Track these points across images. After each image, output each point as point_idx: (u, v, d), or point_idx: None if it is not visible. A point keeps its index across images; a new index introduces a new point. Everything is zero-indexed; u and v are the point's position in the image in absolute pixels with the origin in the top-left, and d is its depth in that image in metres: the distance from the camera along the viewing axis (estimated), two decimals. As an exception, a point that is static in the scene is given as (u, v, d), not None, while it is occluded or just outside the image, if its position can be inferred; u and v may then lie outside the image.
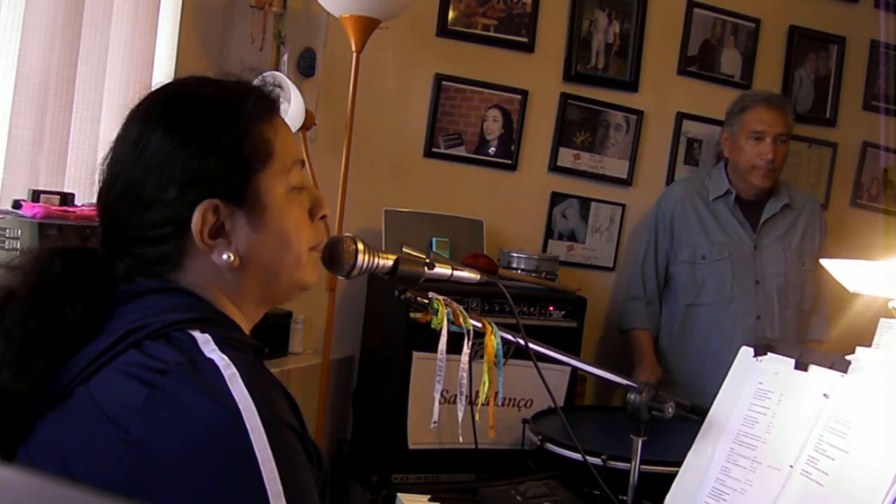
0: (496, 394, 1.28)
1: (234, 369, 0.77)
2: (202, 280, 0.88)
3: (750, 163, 2.60)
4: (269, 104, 0.93)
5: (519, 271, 2.56)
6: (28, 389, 0.79)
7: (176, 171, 0.85)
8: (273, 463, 0.73)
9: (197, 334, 0.80)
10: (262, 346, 0.89)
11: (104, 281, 0.86)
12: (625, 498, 1.31)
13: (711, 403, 1.31)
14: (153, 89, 0.93)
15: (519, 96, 2.88)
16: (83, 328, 0.82)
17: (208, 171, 0.86)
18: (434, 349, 1.25)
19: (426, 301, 1.25)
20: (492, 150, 2.89)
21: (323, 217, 0.98)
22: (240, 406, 0.74)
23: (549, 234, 2.98)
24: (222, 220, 0.87)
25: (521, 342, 1.29)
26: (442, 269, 1.26)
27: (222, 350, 0.79)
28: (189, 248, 0.87)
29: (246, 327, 0.93)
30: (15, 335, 0.81)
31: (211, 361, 0.77)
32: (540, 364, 1.30)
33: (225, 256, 0.87)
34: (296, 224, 0.93)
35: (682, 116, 3.06)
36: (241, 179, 0.88)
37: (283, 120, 0.95)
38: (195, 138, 0.86)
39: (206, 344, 0.79)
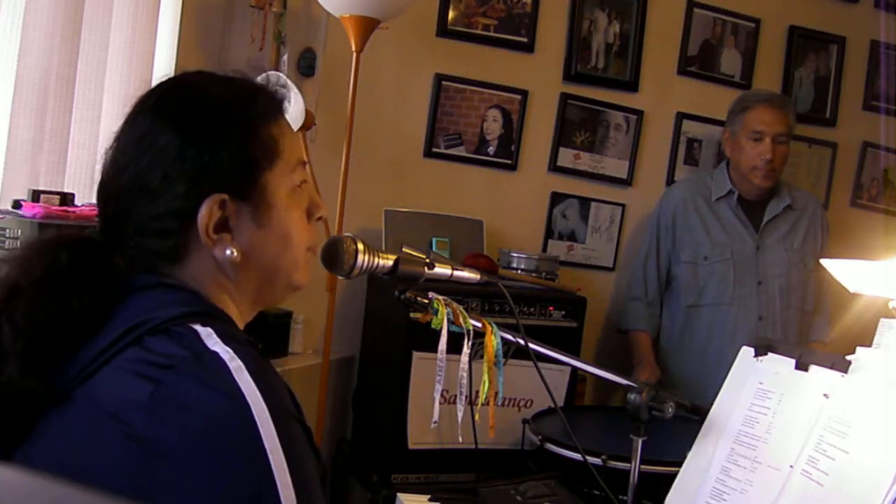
0: (496, 394, 1.28)
1: (238, 361, 0.77)
2: (201, 275, 0.89)
3: (750, 163, 2.60)
4: (276, 104, 0.95)
5: (519, 271, 2.56)
6: (34, 385, 0.79)
7: (186, 165, 0.85)
8: (281, 452, 0.74)
9: (198, 328, 0.80)
10: (257, 342, 0.89)
11: (107, 273, 0.86)
12: (625, 498, 1.31)
13: (712, 403, 1.31)
14: (160, 82, 0.93)
15: (519, 96, 2.88)
16: (87, 323, 0.82)
17: (218, 167, 0.86)
18: (434, 349, 1.25)
19: (426, 301, 1.25)
20: (492, 150, 2.89)
21: (319, 218, 0.99)
22: (247, 397, 0.75)
23: (549, 234, 2.98)
24: (227, 214, 0.87)
25: (521, 342, 1.29)
26: (442, 269, 1.26)
27: (225, 343, 0.79)
28: (192, 243, 0.87)
29: (240, 325, 0.93)
30: (23, 328, 0.80)
31: (215, 354, 0.78)
32: (540, 364, 1.30)
33: (228, 252, 0.88)
34: (297, 224, 0.94)
35: (682, 116, 3.06)
36: (249, 176, 0.89)
37: (286, 120, 0.96)
38: (207, 133, 0.87)
39: (209, 337, 0.80)
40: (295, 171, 0.93)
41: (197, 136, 0.86)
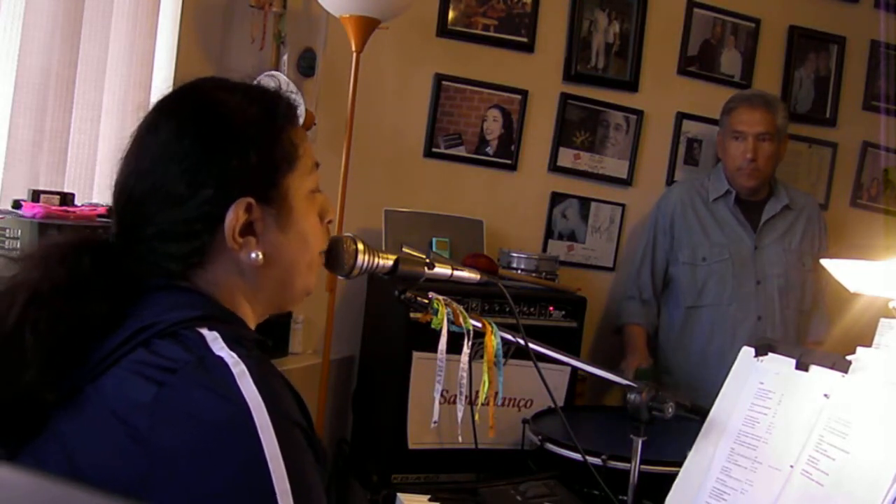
0: (496, 394, 1.28)
1: (243, 367, 0.77)
2: (220, 278, 0.89)
3: (735, 163, 2.63)
4: (294, 110, 0.96)
5: (519, 271, 2.56)
6: (51, 396, 0.79)
7: (213, 170, 0.86)
8: (281, 460, 0.73)
9: (205, 332, 0.81)
10: (265, 339, 0.89)
11: (124, 278, 0.86)
12: (625, 498, 1.31)
13: (712, 403, 1.31)
14: (178, 87, 0.93)
15: (519, 96, 2.88)
16: (104, 327, 0.82)
17: (244, 171, 0.87)
18: (434, 349, 1.25)
19: (426, 301, 1.25)
20: (491, 150, 2.89)
21: (330, 222, 1.00)
22: (249, 403, 0.75)
23: (549, 234, 2.98)
24: (253, 218, 0.88)
25: (521, 342, 1.29)
26: (442, 269, 1.26)
27: (231, 348, 0.79)
28: (216, 246, 0.88)
29: (251, 326, 0.94)
30: (45, 336, 0.79)
31: (220, 359, 0.78)
32: (540, 364, 1.30)
33: (253, 255, 0.89)
34: (313, 227, 0.96)
35: (682, 116, 3.06)
36: (272, 180, 0.90)
37: (301, 126, 0.97)
38: (232, 139, 0.88)
39: (215, 342, 0.80)
40: (311, 175, 0.95)
41: (222, 141, 0.87)
